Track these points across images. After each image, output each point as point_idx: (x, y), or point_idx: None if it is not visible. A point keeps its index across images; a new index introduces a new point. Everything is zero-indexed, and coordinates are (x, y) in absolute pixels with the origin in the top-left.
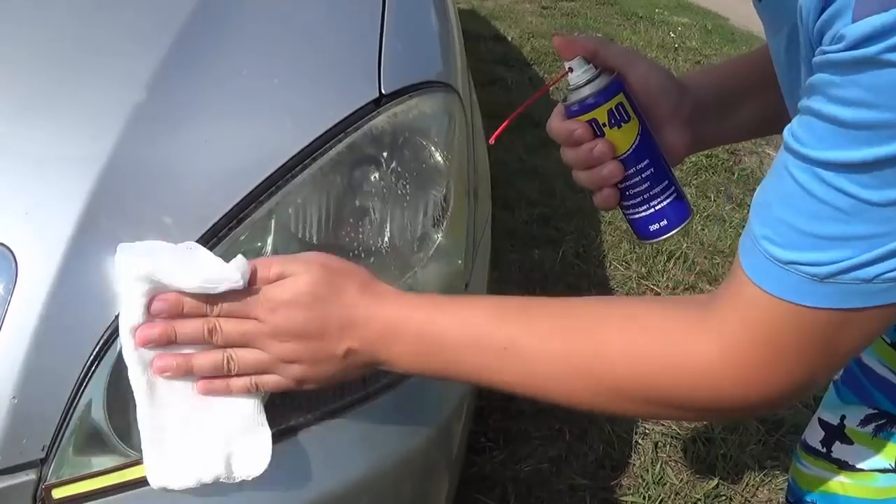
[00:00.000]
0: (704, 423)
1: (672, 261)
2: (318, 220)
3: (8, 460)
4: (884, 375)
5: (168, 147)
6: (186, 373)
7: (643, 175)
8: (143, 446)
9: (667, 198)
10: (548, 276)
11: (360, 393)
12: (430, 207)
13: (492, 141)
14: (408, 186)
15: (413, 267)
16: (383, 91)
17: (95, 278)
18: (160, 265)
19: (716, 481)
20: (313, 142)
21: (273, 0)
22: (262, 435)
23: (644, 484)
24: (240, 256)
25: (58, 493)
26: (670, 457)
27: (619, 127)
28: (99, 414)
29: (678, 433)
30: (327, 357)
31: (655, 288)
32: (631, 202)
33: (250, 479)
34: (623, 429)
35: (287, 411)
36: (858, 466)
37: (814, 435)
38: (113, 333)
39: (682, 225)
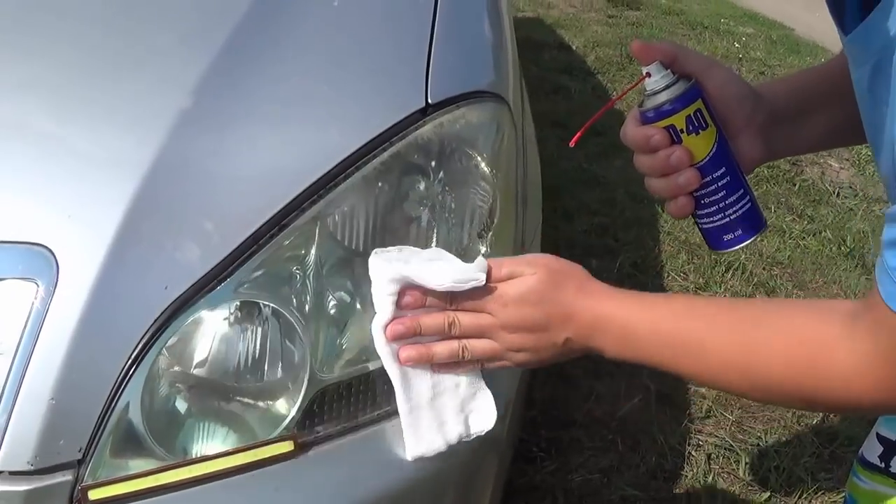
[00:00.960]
0: (757, 435)
1: (730, 272)
2: (364, 228)
3: (45, 461)
4: None
5: (212, 152)
6: (428, 361)
7: (720, 183)
8: (403, 425)
9: (742, 207)
10: None
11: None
12: (476, 218)
13: (572, 144)
14: (454, 197)
15: None
16: (430, 100)
17: (136, 282)
18: (413, 268)
19: (768, 494)
20: (358, 150)
21: (324, 7)
22: (487, 396)
23: (696, 496)
24: (480, 258)
25: (94, 495)
26: (723, 468)
27: (697, 134)
28: (136, 416)
29: (731, 444)
30: (548, 345)
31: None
32: (706, 211)
33: (483, 433)
34: (676, 440)
35: (328, 418)
36: None
37: (872, 450)
38: (152, 337)
39: (757, 235)
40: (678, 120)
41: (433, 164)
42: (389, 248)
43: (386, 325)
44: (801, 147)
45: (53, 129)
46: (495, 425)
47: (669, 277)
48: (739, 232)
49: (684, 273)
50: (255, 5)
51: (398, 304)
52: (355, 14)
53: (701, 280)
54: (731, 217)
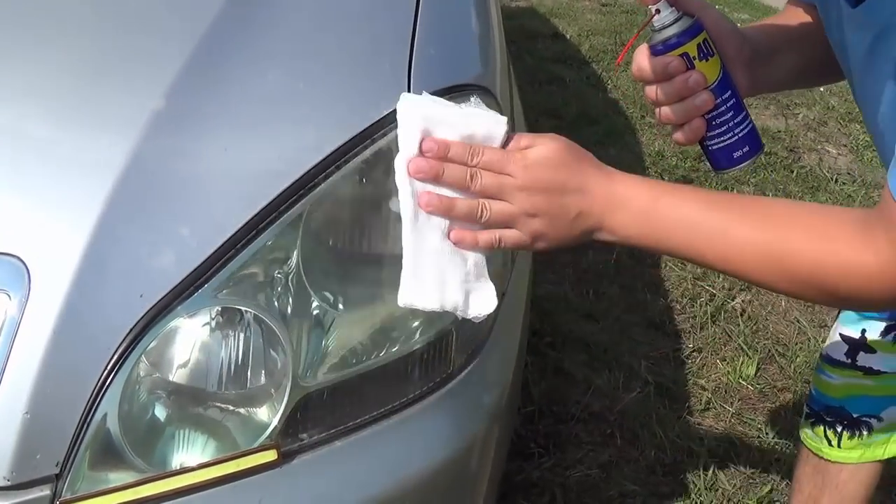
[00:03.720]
0: (757, 427)
1: None
2: (349, 227)
3: (22, 476)
4: None
5: (187, 154)
6: (446, 212)
7: (728, 104)
8: (403, 263)
9: (747, 125)
10: (602, 277)
11: (392, 405)
12: None
13: (618, 62)
14: None
15: None
16: None
17: (111, 290)
18: (441, 108)
19: (769, 487)
20: (337, 148)
21: (302, 4)
22: (489, 284)
23: (696, 490)
24: (503, 118)
25: None
26: (723, 461)
27: (707, 60)
28: (114, 427)
29: (731, 437)
30: (561, 214)
31: (711, 289)
32: (717, 131)
33: (479, 318)
34: (675, 433)
35: (312, 425)
36: (884, 370)
37: (836, 349)
38: (128, 347)
39: (760, 153)
40: (691, 48)
41: None
42: (421, 95)
43: (410, 160)
44: (776, 83)
45: (23, 133)
46: (486, 427)
47: (667, 267)
48: (747, 149)
49: (682, 263)
50: (230, 4)
51: (420, 149)
52: (334, 8)
53: (699, 270)
54: (739, 135)
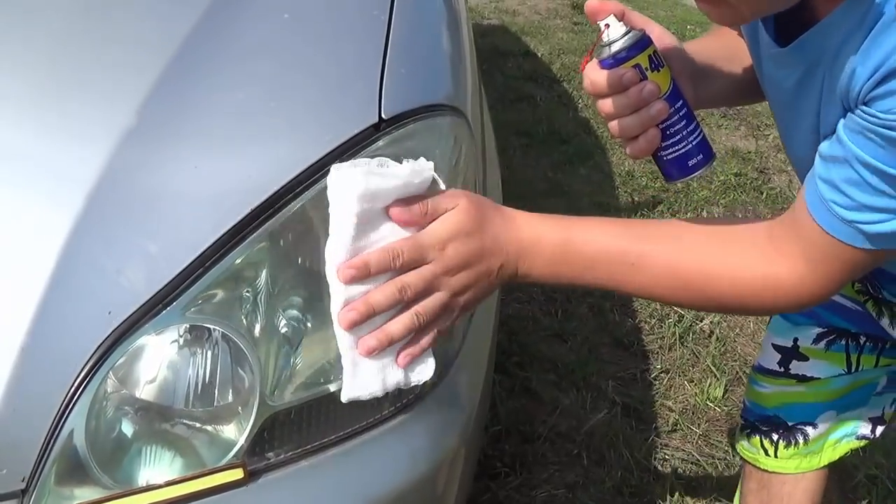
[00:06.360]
0: (724, 449)
1: None
2: (320, 246)
3: None
4: (835, 300)
5: (157, 172)
6: (389, 344)
7: (681, 113)
8: (342, 361)
9: (699, 134)
10: (570, 297)
11: (360, 424)
12: None
13: (581, 69)
14: None
15: None
16: (383, 115)
17: (79, 307)
18: (374, 180)
19: None
20: (309, 167)
21: (274, 22)
22: (429, 352)
23: None
24: (421, 160)
25: None
26: (689, 482)
27: (658, 70)
28: (81, 444)
29: (698, 459)
30: (486, 275)
31: (679, 310)
32: (671, 140)
33: (421, 383)
34: (642, 454)
35: (279, 444)
36: (816, 376)
37: (769, 359)
38: (96, 364)
39: (712, 161)
40: (643, 59)
41: None
42: (358, 160)
43: (339, 267)
44: (716, 98)
45: None
46: (453, 437)
47: None
48: (700, 157)
49: None
50: (203, 21)
51: (343, 280)
52: (306, 28)
53: None
54: (693, 143)
